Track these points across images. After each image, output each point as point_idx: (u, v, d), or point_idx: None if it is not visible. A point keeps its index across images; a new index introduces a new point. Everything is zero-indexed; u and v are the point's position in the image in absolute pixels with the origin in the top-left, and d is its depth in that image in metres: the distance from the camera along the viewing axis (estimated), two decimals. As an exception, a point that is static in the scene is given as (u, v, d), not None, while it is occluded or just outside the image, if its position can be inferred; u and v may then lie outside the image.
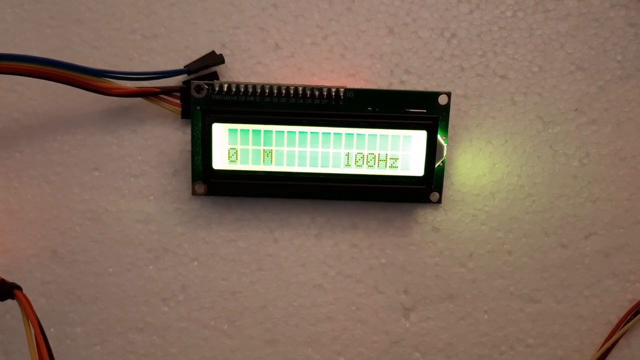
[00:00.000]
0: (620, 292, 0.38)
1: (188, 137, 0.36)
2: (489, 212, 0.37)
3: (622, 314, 0.38)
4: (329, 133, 0.34)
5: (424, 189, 0.35)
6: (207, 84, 0.34)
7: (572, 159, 0.37)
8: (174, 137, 0.36)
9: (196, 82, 0.34)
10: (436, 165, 0.35)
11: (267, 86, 0.34)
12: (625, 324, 0.37)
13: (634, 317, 0.37)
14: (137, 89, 0.34)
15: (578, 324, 0.38)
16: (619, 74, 0.36)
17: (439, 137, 0.35)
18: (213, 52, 0.35)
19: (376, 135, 0.34)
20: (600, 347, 0.38)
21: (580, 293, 0.38)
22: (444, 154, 0.35)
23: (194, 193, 0.35)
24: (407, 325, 0.38)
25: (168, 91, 0.35)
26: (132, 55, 0.36)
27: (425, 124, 0.34)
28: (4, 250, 0.36)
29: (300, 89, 0.34)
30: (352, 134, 0.34)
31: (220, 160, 0.34)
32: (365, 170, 0.35)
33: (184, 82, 0.35)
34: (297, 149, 0.34)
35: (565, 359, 0.38)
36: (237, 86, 0.34)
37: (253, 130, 0.34)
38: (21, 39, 0.35)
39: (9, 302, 0.30)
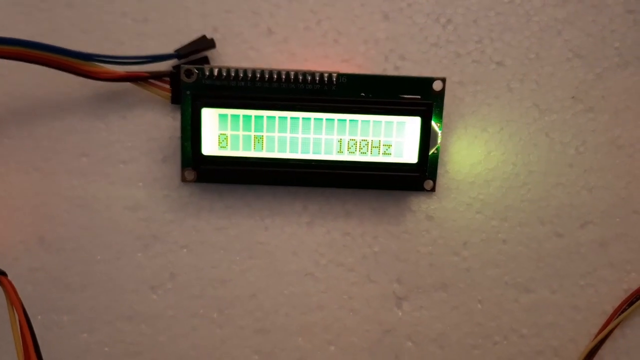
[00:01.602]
0: (616, 282, 0.38)
1: (178, 123, 0.35)
2: (484, 200, 0.37)
3: (617, 304, 0.38)
4: (321, 119, 0.34)
5: (418, 177, 0.35)
6: (197, 68, 0.33)
7: (568, 147, 0.37)
8: (164, 123, 0.36)
9: (186, 66, 0.33)
10: (430, 153, 0.35)
11: (259, 71, 0.33)
12: (620, 314, 0.37)
13: (629, 307, 0.37)
14: (126, 73, 0.34)
15: (573, 314, 0.38)
16: (616, 61, 0.36)
17: (433, 123, 0.34)
18: (204, 37, 0.35)
19: (369, 121, 0.34)
20: (595, 337, 0.37)
21: (575, 283, 0.38)
22: (439, 141, 0.35)
23: (183, 180, 0.35)
24: (400, 314, 0.37)
25: (158, 76, 0.34)
26: (122, 40, 0.35)
27: (420, 110, 0.34)
28: (-9, 237, 0.36)
29: (292, 73, 0.34)
30: (345, 120, 0.34)
31: (210, 146, 0.34)
32: (358, 157, 0.34)
33: (174, 67, 0.35)
34: (288, 134, 0.34)
35: (559, 349, 0.38)
36: (228, 71, 0.33)
37: (244, 116, 0.34)
38: (9, 22, 0.35)
39: (-6, 289, 0.30)
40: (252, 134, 0.34)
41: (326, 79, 0.34)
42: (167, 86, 0.34)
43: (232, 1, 0.35)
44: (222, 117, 0.34)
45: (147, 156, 0.36)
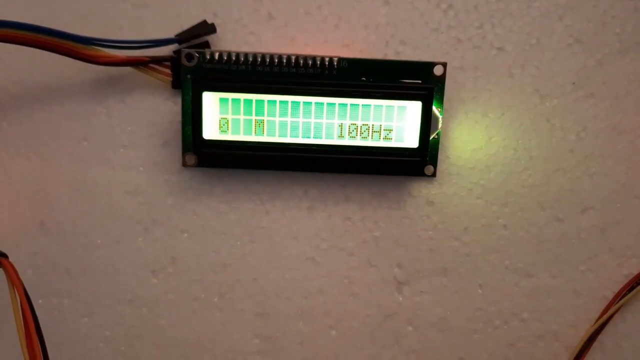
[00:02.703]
0: (616, 267, 0.38)
1: (178, 108, 0.35)
2: (485, 185, 0.37)
3: (617, 289, 0.38)
4: (322, 103, 0.34)
5: (419, 162, 0.35)
6: (198, 52, 0.33)
7: (569, 133, 0.37)
8: (164, 107, 0.35)
9: (187, 50, 0.33)
10: (431, 138, 0.35)
11: (260, 55, 0.33)
12: (620, 299, 0.37)
13: (629, 293, 0.37)
14: (127, 57, 0.33)
15: (573, 299, 0.38)
16: (617, 47, 0.36)
17: (434, 108, 0.34)
18: (204, 22, 0.35)
19: (370, 105, 0.34)
20: (595, 322, 0.37)
21: (575, 268, 0.38)
22: (439, 126, 0.35)
23: (184, 164, 0.35)
24: (400, 299, 0.37)
25: (158, 60, 0.34)
26: (121, 25, 0.35)
27: (421, 95, 0.34)
28: (-9, 222, 0.36)
29: (293, 57, 0.33)
30: (346, 104, 0.34)
31: (210, 130, 0.34)
32: (358, 142, 0.34)
33: (174, 52, 0.34)
34: (289, 119, 0.34)
35: (560, 334, 0.38)
36: (229, 54, 0.33)
37: (244, 100, 0.33)
38: (8, 6, 0.35)
39: (-5, 273, 0.30)
40: (253, 118, 0.34)
41: (327, 63, 0.34)
42: (168, 71, 0.34)
43: (232, -14, 0.35)
44: (223, 101, 0.33)
45: (148, 140, 0.36)
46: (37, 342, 0.27)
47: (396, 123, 0.34)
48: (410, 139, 0.34)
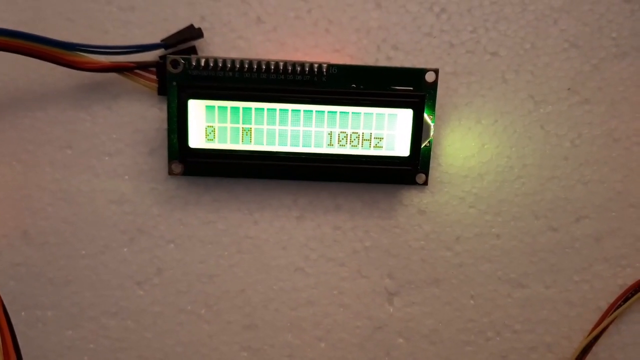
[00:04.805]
0: (611, 277, 0.37)
1: (165, 115, 0.34)
2: (477, 194, 0.36)
3: (612, 299, 0.37)
4: (311, 111, 0.33)
5: (410, 170, 0.34)
6: (183, 59, 0.33)
7: (563, 140, 0.36)
8: (150, 114, 0.35)
9: (172, 56, 0.33)
10: (423, 146, 0.34)
11: (247, 61, 0.33)
12: (615, 310, 0.37)
13: (624, 303, 0.37)
14: (112, 63, 0.33)
15: (567, 310, 0.37)
16: (614, 51, 0.36)
17: (425, 116, 0.34)
18: (192, 26, 0.34)
19: (360, 113, 0.33)
20: (589, 334, 0.37)
21: (569, 278, 0.37)
22: (431, 134, 0.34)
23: (170, 173, 0.34)
24: (391, 310, 0.37)
25: (144, 66, 0.34)
26: (107, 28, 0.34)
27: (412, 102, 0.33)
28: (-27, 231, 0.35)
29: (281, 64, 0.33)
30: (335, 112, 0.33)
31: (197, 139, 0.33)
32: (348, 150, 0.34)
33: (160, 57, 0.34)
34: (277, 127, 0.33)
35: (553, 346, 0.38)
36: (215, 61, 0.33)
37: (231, 107, 0.33)
38: (-9, 10, 0.34)
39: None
40: (240, 126, 0.33)
41: (316, 69, 0.33)
42: (154, 77, 0.34)
43: (220, -11, 0.34)
44: (209, 108, 0.33)
45: (133, 148, 0.35)
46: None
47: (387, 131, 0.34)
48: (401, 147, 0.34)
